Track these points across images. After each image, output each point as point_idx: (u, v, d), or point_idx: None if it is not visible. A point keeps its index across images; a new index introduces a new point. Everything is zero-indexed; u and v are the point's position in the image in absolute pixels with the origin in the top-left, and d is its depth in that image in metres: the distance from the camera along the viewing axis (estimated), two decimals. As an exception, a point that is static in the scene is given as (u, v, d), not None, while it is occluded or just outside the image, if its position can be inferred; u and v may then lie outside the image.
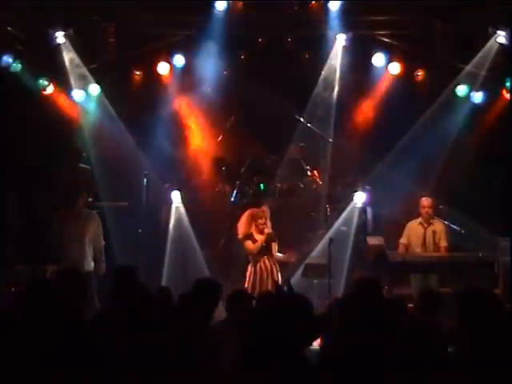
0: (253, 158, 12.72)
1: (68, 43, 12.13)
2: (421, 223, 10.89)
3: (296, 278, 10.69)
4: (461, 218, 11.17)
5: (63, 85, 12.43)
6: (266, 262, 10.17)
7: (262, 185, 12.43)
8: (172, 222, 12.03)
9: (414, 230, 10.93)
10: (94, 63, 12.54)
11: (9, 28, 11.72)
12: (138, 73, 12.83)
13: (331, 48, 12.51)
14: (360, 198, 11.93)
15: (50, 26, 12.01)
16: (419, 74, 12.66)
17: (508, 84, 11.97)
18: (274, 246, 10.31)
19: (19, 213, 11.73)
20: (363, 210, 11.90)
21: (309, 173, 12.61)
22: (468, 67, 12.23)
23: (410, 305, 6.95)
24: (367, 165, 12.29)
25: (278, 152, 12.81)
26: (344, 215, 11.91)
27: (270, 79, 12.40)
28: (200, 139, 13.10)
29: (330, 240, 10.73)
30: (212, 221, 12.33)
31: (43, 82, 12.38)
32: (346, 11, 12.08)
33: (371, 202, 11.95)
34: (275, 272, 10.15)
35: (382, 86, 12.71)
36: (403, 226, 11.14)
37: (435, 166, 12.25)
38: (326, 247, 10.74)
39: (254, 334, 4.15)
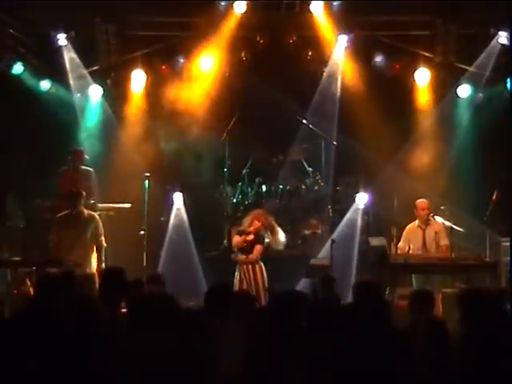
0: (255, 158, 12.72)
1: (70, 45, 12.16)
2: (419, 226, 10.82)
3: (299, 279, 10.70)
4: (462, 219, 11.13)
5: (65, 86, 12.45)
6: (245, 266, 10.21)
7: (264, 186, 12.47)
8: (171, 223, 12.05)
9: (412, 234, 10.83)
10: (95, 65, 12.56)
11: (11, 30, 11.74)
12: (137, 73, 12.79)
13: (333, 49, 12.51)
14: (362, 199, 11.91)
15: (52, 27, 12.04)
16: (421, 74, 12.63)
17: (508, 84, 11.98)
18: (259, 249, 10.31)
19: (20, 215, 11.72)
20: (365, 211, 11.89)
21: (311, 174, 12.61)
22: (471, 68, 12.23)
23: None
24: (369, 165, 12.27)
25: (280, 153, 12.81)
26: (348, 216, 11.92)
27: (271, 80, 12.41)
28: (202, 139, 13.10)
29: (332, 241, 10.72)
30: (213, 223, 12.34)
31: (45, 83, 12.39)
32: (348, 12, 12.08)
33: (373, 203, 11.94)
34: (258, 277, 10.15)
35: (384, 86, 12.69)
36: (403, 228, 11.09)
37: (437, 166, 12.24)
38: (329, 248, 10.72)
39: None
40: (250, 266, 10.21)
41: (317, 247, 11.77)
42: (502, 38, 11.82)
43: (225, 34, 12.29)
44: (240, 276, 10.18)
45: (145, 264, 10.99)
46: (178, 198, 12.26)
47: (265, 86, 12.34)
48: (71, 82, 12.37)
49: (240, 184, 12.51)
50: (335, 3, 12.11)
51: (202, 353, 5.04)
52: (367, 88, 12.66)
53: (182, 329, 5.16)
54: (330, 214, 12.22)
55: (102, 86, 12.62)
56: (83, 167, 11.83)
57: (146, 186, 11.45)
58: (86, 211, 10.19)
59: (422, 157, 12.38)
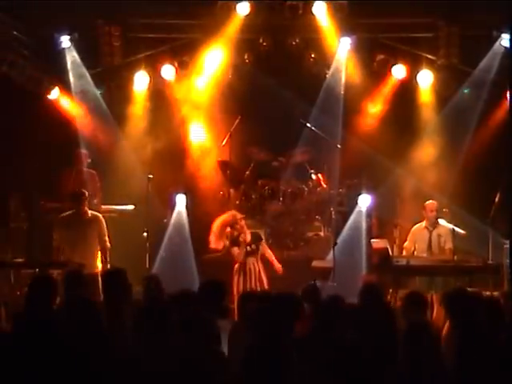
0: (257, 161, 12.72)
1: (73, 47, 12.17)
2: (426, 227, 10.82)
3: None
4: (466, 221, 11.12)
5: (68, 88, 12.45)
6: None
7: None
8: (171, 225, 12.06)
9: (419, 235, 10.82)
10: (99, 67, 12.57)
11: (14, 32, 11.74)
12: (140, 75, 12.79)
13: (336, 51, 12.51)
14: (365, 201, 11.91)
15: (55, 29, 12.06)
16: (424, 76, 12.62)
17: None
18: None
19: (23, 216, 11.73)
20: (368, 213, 11.88)
21: (313, 176, 12.60)
22: (475, 70, 12.22)
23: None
24: (372, 167, 12.27)
25: (283, 155, 12.82)
26: (351, 218, 11.92)
27: (274, 82, 12.42)
28: (205, 142, 13.13)
29: (335, 243, 10.72)
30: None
31: (48, 85, 12.40)
32: (351, 14, 12.09)
33: (376, 205, 11.94)
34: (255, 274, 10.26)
35: (387, 89, 12.70)
36: (408, 230, 11.09)
37: (441, 168, 12.23)
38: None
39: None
40: (254, 263, 10.30)
41: (319, 249, 11.76)
42: (505, 40, 11.80)
43: (228, 36, 12.30)
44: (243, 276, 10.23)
45: (147, 265, 10.99)
46: (180, 200, 12.26)
47: (268, 88, 12.36)
48: (75, 83, 12.37)
49: (243, 186, 12.51)
50: (339, 5, 12.10)
51: (204, 353, 5.04)
52: (370, 90, 12.68)
53: (184, 329, 5.16)
54: (333, 216, 12.21)
55: (104, 87, 12.62)
56: (86, 169, 11.85)
57: (149, 187, 11.46)
58: (90, 211, 10.20)
59: (425, 158, 12.38)
